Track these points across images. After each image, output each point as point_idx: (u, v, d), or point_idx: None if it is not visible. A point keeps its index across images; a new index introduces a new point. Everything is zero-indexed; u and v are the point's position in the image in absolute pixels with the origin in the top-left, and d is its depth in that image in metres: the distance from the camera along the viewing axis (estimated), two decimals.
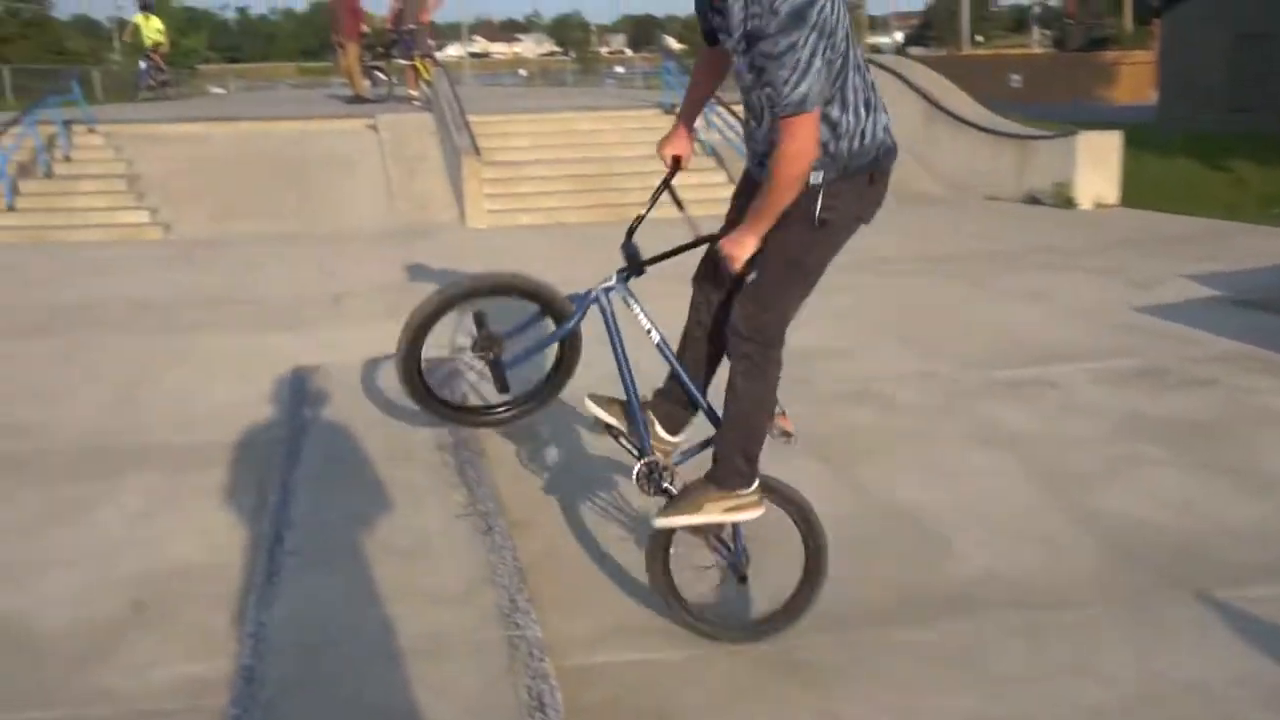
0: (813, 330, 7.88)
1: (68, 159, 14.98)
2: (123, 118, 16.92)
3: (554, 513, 4.87)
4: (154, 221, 13.55)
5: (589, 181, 14.45)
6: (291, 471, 4.88)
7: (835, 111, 3.39)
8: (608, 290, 3.81)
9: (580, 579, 4.32)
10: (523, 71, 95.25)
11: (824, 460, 5.38)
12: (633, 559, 4.39)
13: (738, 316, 3.61)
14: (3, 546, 4.65)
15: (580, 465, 5.40)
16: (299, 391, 6.01)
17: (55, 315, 9.00)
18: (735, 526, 3.81)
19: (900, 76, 16.79)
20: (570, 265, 8.47)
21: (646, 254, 3.85)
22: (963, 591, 4.23)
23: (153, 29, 25.16)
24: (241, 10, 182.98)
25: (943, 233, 12.27)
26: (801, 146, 3.29)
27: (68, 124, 15.44)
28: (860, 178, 3.52)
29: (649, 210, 3.90)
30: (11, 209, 13.60)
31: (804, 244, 3.55)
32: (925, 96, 16.26)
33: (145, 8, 25.30)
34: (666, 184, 3.94)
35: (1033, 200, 14.25)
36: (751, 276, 3.61)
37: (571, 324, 3.79)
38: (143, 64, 25.17)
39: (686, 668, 3.76)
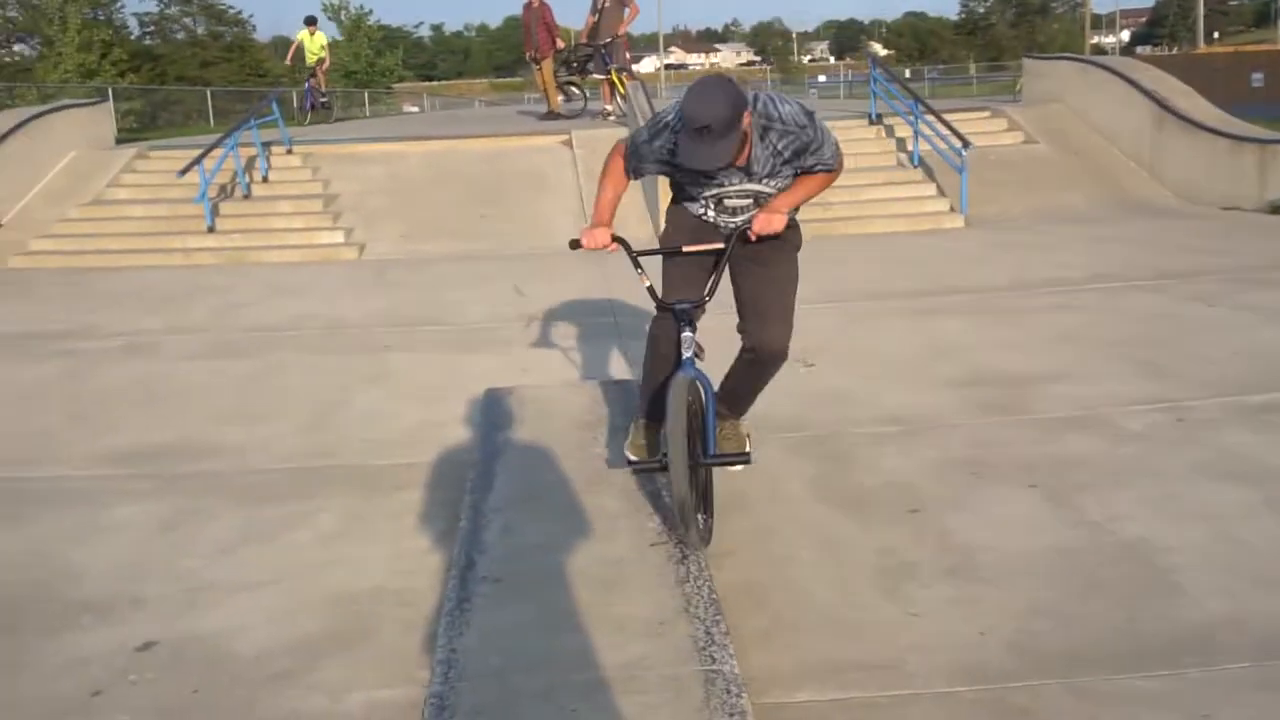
0: (1030, 353, 7.71)
1: (266, 180, 15.73)
2: (320, 138, 17.69)
3: (753, 543, 4.85)
4: (349, 242, 14.09)
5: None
6: (484, 496, 4.99)
7: None
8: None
9: (780, 613, 4.29)
10: None
11: (1042, 490, 5.23)
12: (837, 594, 4.34)
13: (778, 338, 4.90)
14: (204, 565, 4.88)
15: (782, 495, 5.38)
16: (492, 414, 6.14)
17: (254, 336, 9.44)
18: None
19: (1126, 78, 16.27)
20: None
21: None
22: (1199, 639, 4.04)
23: (317, 45, 24.91)
24: (436, 27, 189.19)
25: (1175, 246, 11.81)
26: (834, 180, 4.75)
27: (266, 145, 16.20)
28: None
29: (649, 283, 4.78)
30: (212, 230, 14.32)
31: (797, 268, 4.91)
32: (1154, 99, 15.71)
33: (310, 22, 25.08)
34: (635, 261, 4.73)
35: (1277, 210, 13.61)
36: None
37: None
38: (307, 83, 24.93)
39: (891, 708, 3.69)
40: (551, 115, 19.42)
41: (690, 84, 4.42)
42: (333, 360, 8.47)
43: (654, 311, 4.86)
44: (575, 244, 4.80)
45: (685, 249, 4.74)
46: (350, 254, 13.82)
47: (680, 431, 4.21)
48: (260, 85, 52.76)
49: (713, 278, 4.70)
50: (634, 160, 4.70)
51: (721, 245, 4.67)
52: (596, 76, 18.98)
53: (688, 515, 4.26)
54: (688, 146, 4.21)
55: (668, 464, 4.31)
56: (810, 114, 4.52)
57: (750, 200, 4.65)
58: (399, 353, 8.64)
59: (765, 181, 4.57)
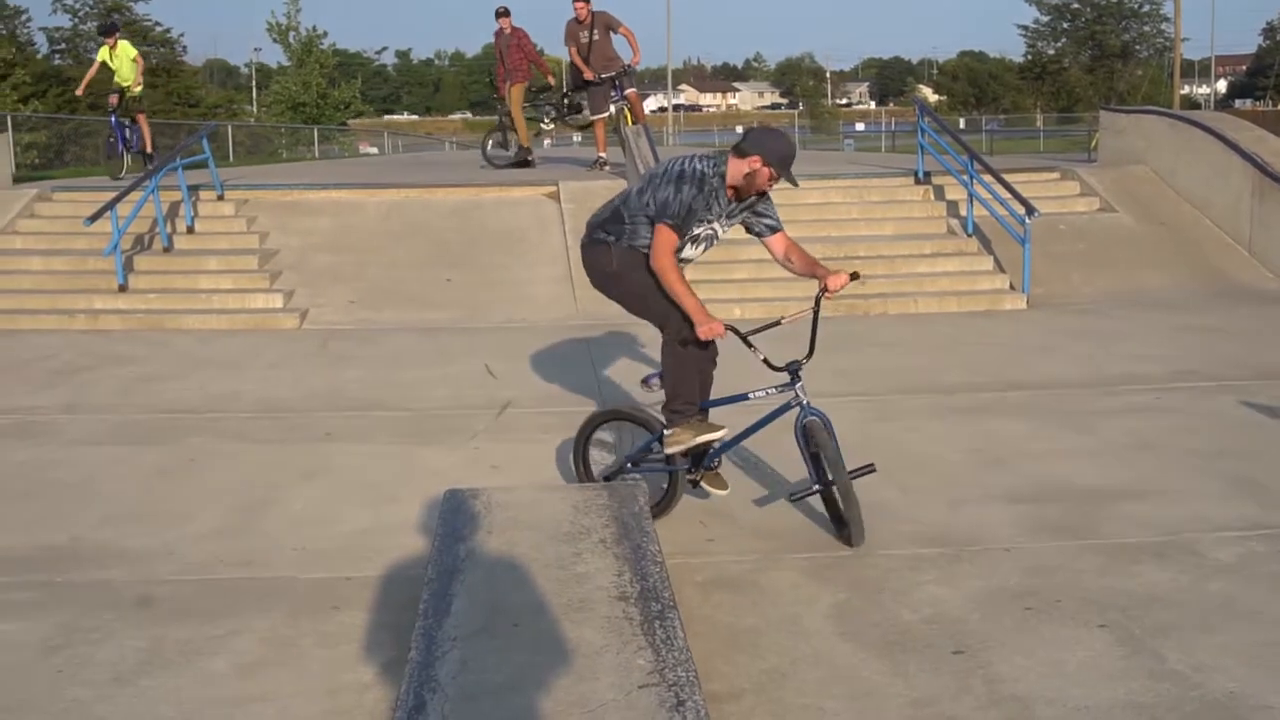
0: (1102, 464, 7.72)
1: (191, 231, 15.83)
2: (258, 183, 17.78)
3: (764, 688, 4.82)
4: (288, 307, 14.13)
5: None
6: (439, 622, 4.95)
7: None
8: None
9: None
10: (739, 128, 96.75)
11: (1113, 632, 5.21)
12: None
13: None
14: (95, 698, 4.83)
15: (801, 630, 5.36)
16: (452, 521, 6.11)
17: (169, 419, 9.44)
18: None
19: (1222, 138, 16.43)
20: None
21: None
22: None
23: (125, 64, 19.39)
24: (402, 54, 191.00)
25: (1278, 340, 11.87)
26: None
27: (194, 189, 16.30)
28: None
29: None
30: (124, 289, 14.36)
31: None
32: (1255, 163, 15.86)
33: (107, 31, 20.08)
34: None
35: None
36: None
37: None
38: (112, 117, 19.71)
39: None
40: (524, 156, 19.79)
41: (750, 131, 6.79)
42: (262, 450, 8.46)
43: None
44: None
45: (783, 319, 7.03)
46: (289, 322, 13.86)
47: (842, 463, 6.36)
48: (190, 117, 53.28)
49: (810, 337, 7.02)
50: (680, 228, 6.49)
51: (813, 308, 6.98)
52: (591, 117, 19.13)
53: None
54: (789, 173, 6.73)
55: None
56: None
57: (712, 234, 6.78)
58: (343, 443, 8.64)
59: (725, 221, 6.77)
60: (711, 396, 6.99)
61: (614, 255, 6.75)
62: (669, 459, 6.81)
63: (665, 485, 6.94)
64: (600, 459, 7.36)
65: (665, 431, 6.76)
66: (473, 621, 4.98)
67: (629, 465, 7.06)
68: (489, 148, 20.97)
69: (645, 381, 7.39)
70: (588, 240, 6.97)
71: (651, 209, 6.48)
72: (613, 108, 18.12)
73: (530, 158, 20.44)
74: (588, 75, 17.98)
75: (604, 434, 7.55)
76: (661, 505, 6.82)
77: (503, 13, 19.91)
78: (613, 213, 6.80)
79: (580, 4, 18.17)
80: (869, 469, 6.48)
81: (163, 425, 9.23)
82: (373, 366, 11.36)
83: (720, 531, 6.66)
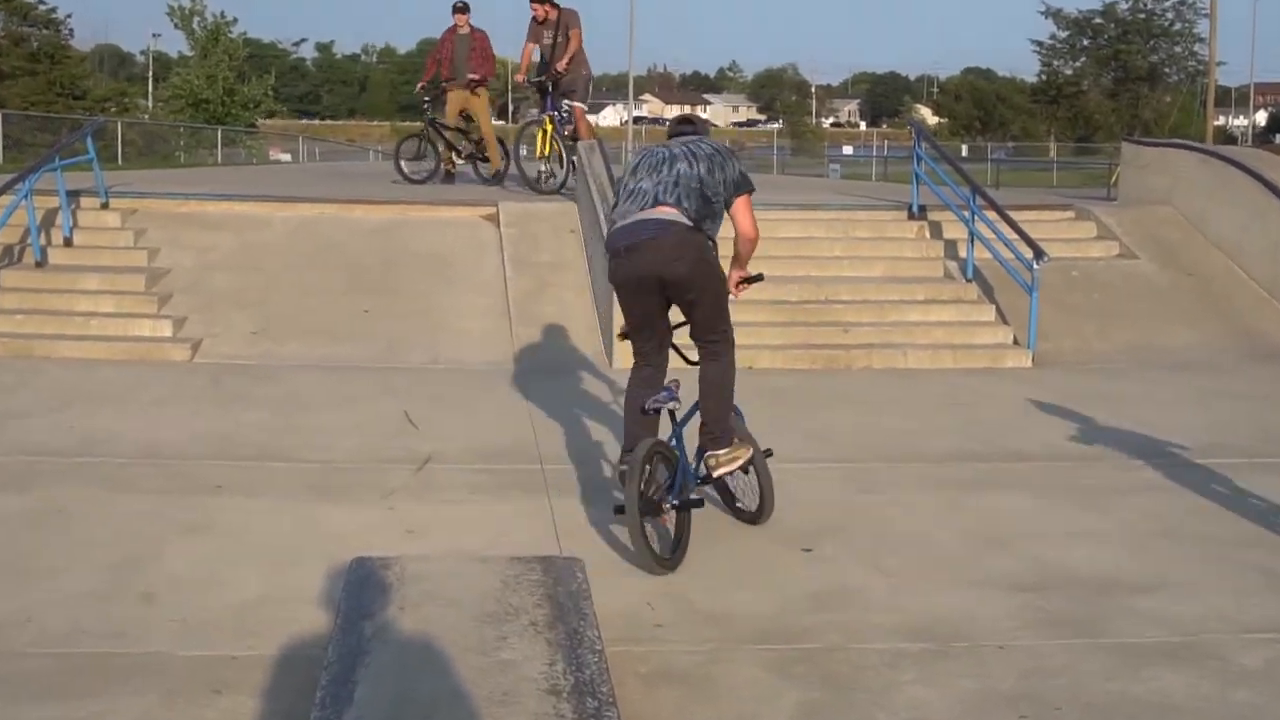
0: (1114, 549, 7.74)
1: (69, 244, 15.70)
2: (149, 190, 17.69)
3: None
4: (178, 336, 14.03)
5: (796, 311, 14.59)
6: (339, 712, 4.91)
7: None
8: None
9: None
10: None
11: None
12: None
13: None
14: None
15: None
16: (359, 594, 6.07)
17: (32, 463, 9.34)
18: None
19: (1260, 178, 16.59)
20: (764, 437, 8.44)
21: None
22: None
23: None
24: (323, 47, 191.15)
25: None
26: None
27: (74, 195, 16.20)
28: None
29: None
30: None
31: None
32: None
33: None
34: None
35: None
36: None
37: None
38: None
39: None
40: (497, 178, 19.95)
41: (695, 118, 8.19)
42: (141, 502, 8.38)
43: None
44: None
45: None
46: (179, 353, 13.76)
47: None
48: (74, 111, 53.04)
49: None
50: None
51: None
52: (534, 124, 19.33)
53: None
54: None
55: None
56: None
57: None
58: (234, 496, 8.57)
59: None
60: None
61: (713, 249, 7.52)
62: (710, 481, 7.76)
63: (679, 523, 7.46)
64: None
65: (719, 452, 7.47)
66: (377, 714, 4.93)
67: (674, 503, 7.42)
68: (404, 161, 20.86)
69: (656, 400, 7.52)
70: (687, 228, 7.30)
71: (741, 183, 7.61)
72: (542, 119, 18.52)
73: (452, 170, 20.60)
74: (562, 67, 18.34)
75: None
76: (683, 544, 7.38)
77: (461, 8, 20.04)
78: (701, 197, 7.37)
79: (537, 5, 18.42)
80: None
81: (25, 469, 9.12)
82: (273, 408, 11.30)
83: (670, 614, 6.62)
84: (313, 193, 18.46)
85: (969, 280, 15.55)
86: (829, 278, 15.47)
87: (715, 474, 7.56)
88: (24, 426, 10.49)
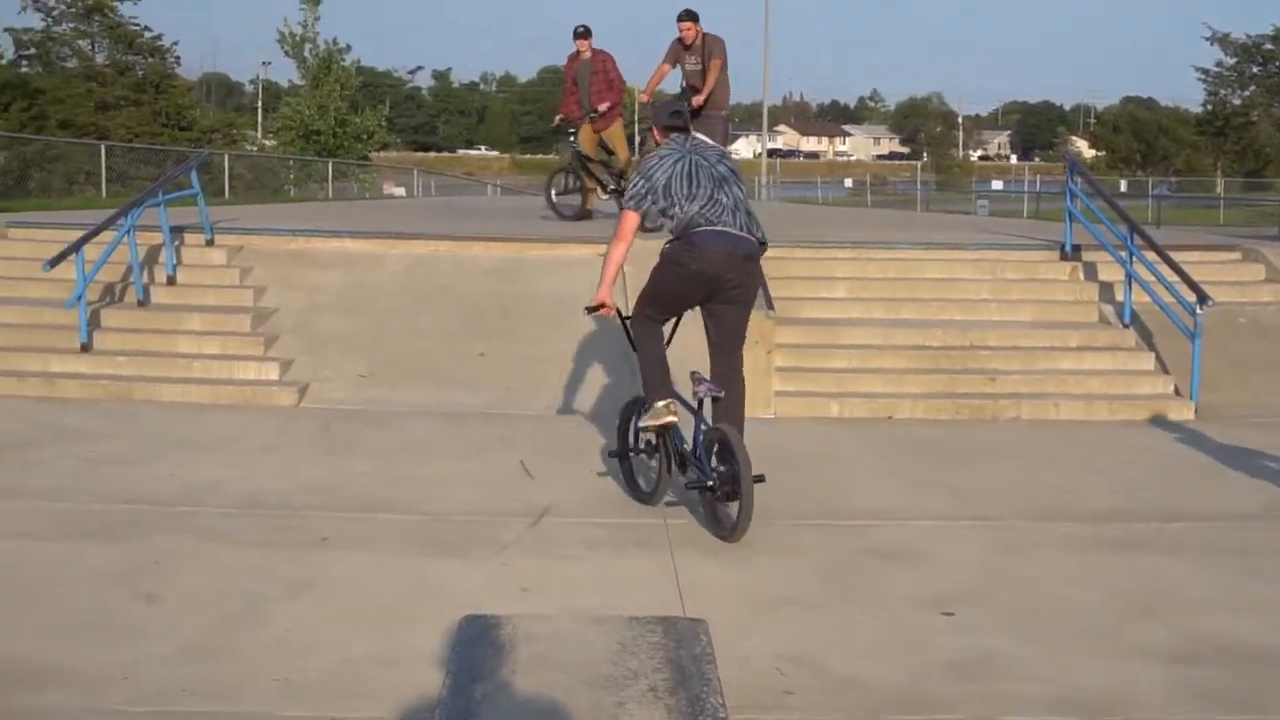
0: (1272, 619, 7.60)
1: (172, 282, 16.01)
2: (257, 227, 17.96)
3: None
4: (285, 379, 14.21)
5: (939, 357, 14.53)
6: None
7: None
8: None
9: None
10: (848, 181, 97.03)
11: None
12: None
13: None
14: None
15: None
16: (469, 655, 6.11)
17: (131, 511, 9.48)
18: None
19: None
20: (903, 492, 8.41)
21: None
22: None
23: None
24: (440, 75, 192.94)
25: None
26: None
27: (178, 231, 16.48)
28: None
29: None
30: (87, 349, 14.51)
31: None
32: None
33: None
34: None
35: None
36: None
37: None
38: None
39: None
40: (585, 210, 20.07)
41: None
42: (243, 554, 8.49)
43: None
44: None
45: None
46: (286, 397, 13.94)
47: None
48: (180, 142, 53.98)
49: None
50: None
51: None
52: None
53: None
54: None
55: None
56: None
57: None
58: (342, 550, 8.65)
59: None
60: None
61: None
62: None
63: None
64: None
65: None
66: None
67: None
68: (555, 194, 20.97)
69: (707, 390, 9.29)
70: (759, 248, 9.44)
71: None
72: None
73: (591, 205, 20.60)
74: (698, 101, 18.15)
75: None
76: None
77: (582, 33, 20.10)
78: (750, 212, 9.46)
79: (688, 24, 18.37)
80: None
81: (123, 519, 9.27)
82: (384, 457, 11.41)
83: (800, 680, 6.59)
84: (427, 229, 18.62)
85: (1126, 326, 15.38)
86: (975, 322, 15.39)
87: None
88: (122, 473, 10.66)
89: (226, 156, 41.26)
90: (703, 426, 9.31)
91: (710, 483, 8.98)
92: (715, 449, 9.10)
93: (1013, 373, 14.25)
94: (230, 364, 14.48)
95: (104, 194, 31.49)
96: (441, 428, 12.61)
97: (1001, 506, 10.10)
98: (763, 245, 9.42)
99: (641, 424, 9.54)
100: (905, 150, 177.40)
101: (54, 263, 14.38)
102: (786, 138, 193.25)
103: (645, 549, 8.71)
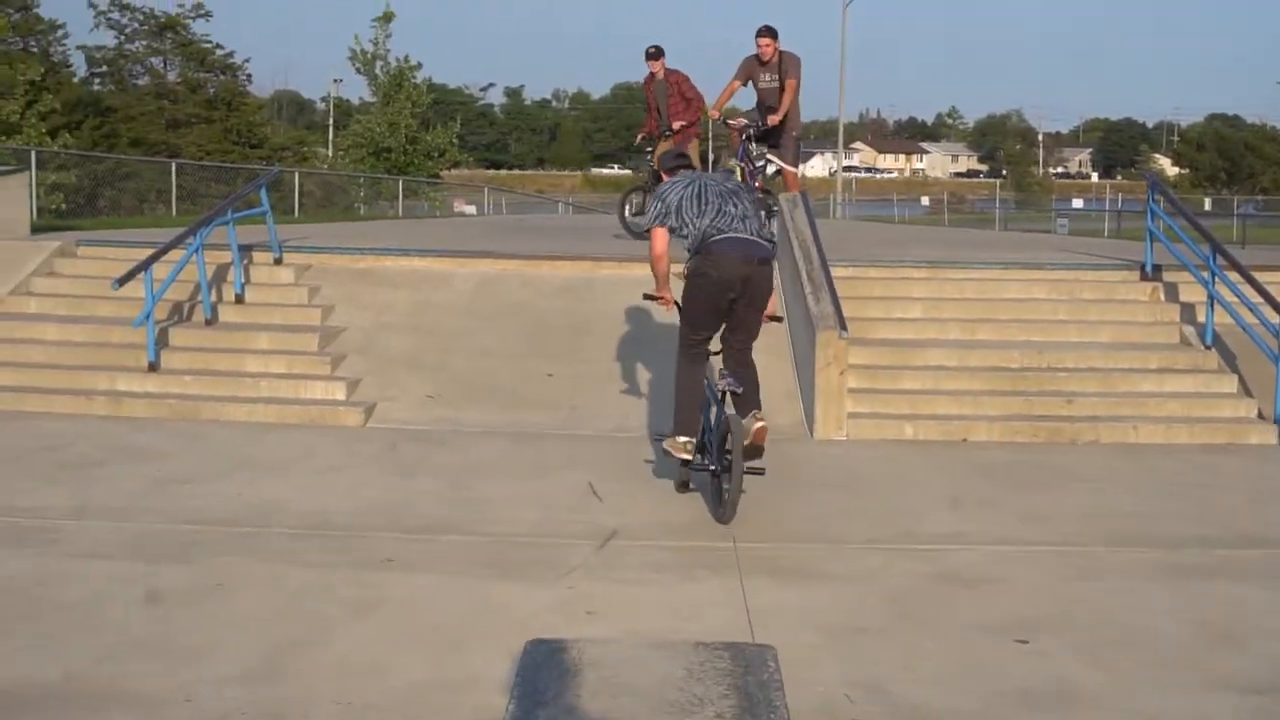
0: None
1: (240, 301, 16.15)
2: (325, 245, 18.08)
3: None
4: (352, 400, 14.29)
5: (1015, 379, 14.47)
6: None
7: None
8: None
9: None
10: (925, 200, 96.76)
11: None
12: None
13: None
14: None
15: None
16: (534, 679, 6.10)
17: (195, 531, 9.57)
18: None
19: None
20: (976, 516, 8.36)
21: None
22: None
23: None
24: (513, 93, 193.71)
25: None
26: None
27: (246, 250, 16.60)
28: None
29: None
30: (155, 368, 14.63)
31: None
32: None
33: None
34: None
35: None
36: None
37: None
38: None
39: None
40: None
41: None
42: (306, 575, 8.53)
43: None
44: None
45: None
46: (352, 417, 14.00)
47: None
48: (251, 159, 54.40)
49: None
50: None
51: None
52: (781, 165, 19.01)
53: None
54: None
55: None
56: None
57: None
58: (405, 571, 8.68)
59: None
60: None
61: None
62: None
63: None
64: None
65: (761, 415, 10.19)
66: None
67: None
68: (628, 213, 21.00)
69: (729, 384, 10.23)
70: (770, 254, 10.44)
71: None
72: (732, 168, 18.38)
73: None
74: (773, 121, 18.08)
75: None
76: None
77: (653, 54, 20.16)
78: (761, 219, 10.52)
79: (766, 40, 18.27)
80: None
81: (188, 539, 9.34)
82: (449, 477, 11.45)
83: (870, 709, 6.56)
84: (497, 247, 18.76)
85: (1208, 347, 15.26)
86: (1052, 343, 15.29)
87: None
88: (188, 493, 10.74)
89: (296, 174, 41.47)
90: (721, 416, 10.34)
91: (713, 468, 10.24)
92: (726, 438, 10.06)
93: (1091, 395, 14.15)
94: (297, 383, 14.58)
95: (174, 212, 31.71)
96: (508, 448, 12.64)
97: (1077, 531, 10.02)
98: (774, 247, 10.51)
99: (664, 445, 10.54)
100: (984, 168, 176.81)
101: (123, 281, 14.54)
102: (863, 155, 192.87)
103: (714, 573, 8.69)
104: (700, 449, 10.49)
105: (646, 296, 11.25)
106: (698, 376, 10.58)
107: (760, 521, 9.90)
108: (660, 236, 10.65)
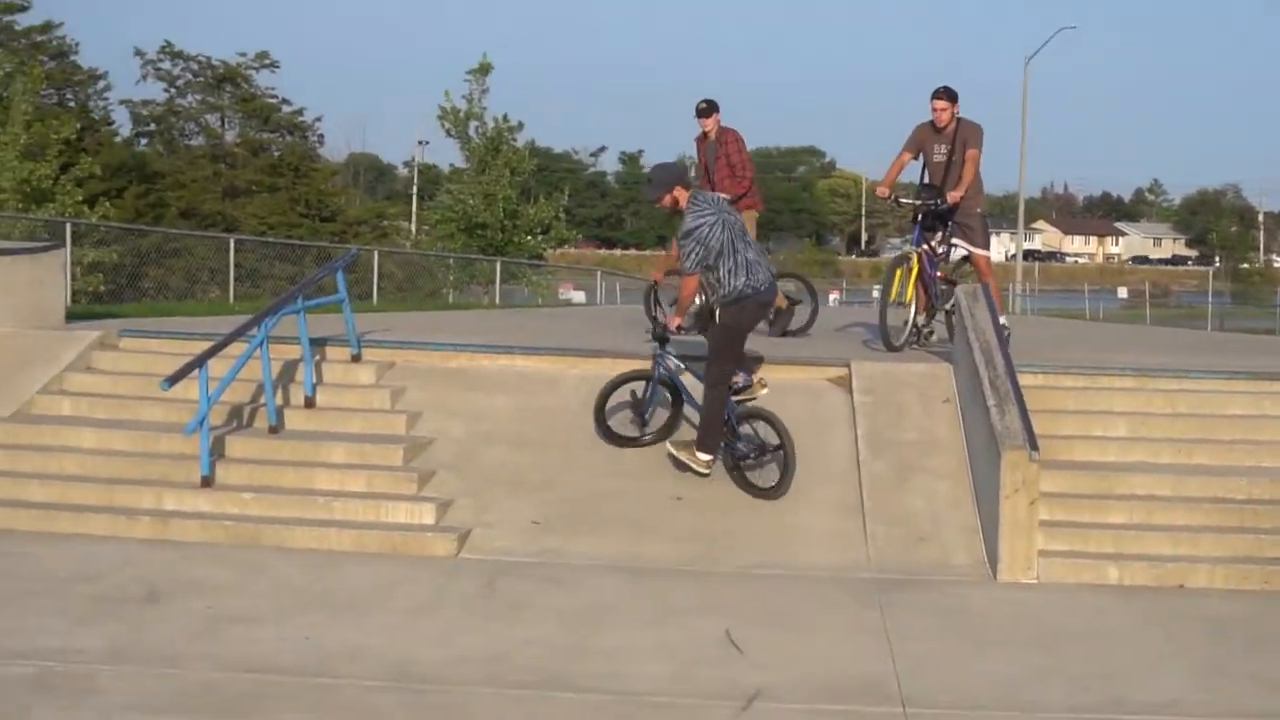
0: None
1: (311, 404, 16.14)
2: (412, 340, 18.12)
3: None
4: (441, 525, 14.22)
5: (1242, 512, 14.17)
6: None
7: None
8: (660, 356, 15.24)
9: None
10: (1123, 291, 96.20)
11: None
12: None
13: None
14: None
15: None
16: None
17: (260, 681, 9.56)
18: None
19: None
20: (1197, 681, 8.16)
21: None
22: None
23: None
24: (629, 158, 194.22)
25: None
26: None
27: (319, 344, 16.66)
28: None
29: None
30: (209, 483, 14.62)
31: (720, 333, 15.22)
32: None
33: None
34: None
35: None
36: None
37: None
38: None
39: None
40: (777, 325, 19.99)
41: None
42: None
43: None
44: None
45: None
46: (443, 546, 13.93)
47: None
48: (321, 235, 54.78)
49: None
50: None
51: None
52: (971, 250, 18.69)
53: None
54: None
55: None
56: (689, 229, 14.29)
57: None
58: None
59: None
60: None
61: None
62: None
63: None
64: None
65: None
66: None
67: None
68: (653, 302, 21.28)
69: (739, 376, 14.81)
70: (774, 283, 14.89)
71: None
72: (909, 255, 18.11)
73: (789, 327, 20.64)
74: (954, 199, 17.78)
75: None
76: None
77: (704, 110, 20.20)
78: (762, 250, 13.94)
79: (943, 104, 18.13)
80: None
81: (249, 690, 9.34)
82: (560, 622, 11.39)
83: None
84: (612, 344, 18.66)
85: None
86: None
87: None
88: (248, 636, 10.74)
89: (375, 253, 41.62)
90: (736, 408, 14.84)
91: (740, 446, 14.80)
92: (740, 422, 14.82)
93: None
94: (377, 504, 14.51)
95: (231, 297, 31.71)
96: (630, 587, 12.56)
97: None
98: (774, 277, 15.02)
99: (685, 457, 14.80)
100: (1193, 254, 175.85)
101: (173, 380, 14.49)
102: (1046, 236, 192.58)
103: None
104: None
105: (673, 330, 14.94)
106: (728, 408, 14.70)
107: (937, 683, 9.75)
108: (692, 280, 14.43)
